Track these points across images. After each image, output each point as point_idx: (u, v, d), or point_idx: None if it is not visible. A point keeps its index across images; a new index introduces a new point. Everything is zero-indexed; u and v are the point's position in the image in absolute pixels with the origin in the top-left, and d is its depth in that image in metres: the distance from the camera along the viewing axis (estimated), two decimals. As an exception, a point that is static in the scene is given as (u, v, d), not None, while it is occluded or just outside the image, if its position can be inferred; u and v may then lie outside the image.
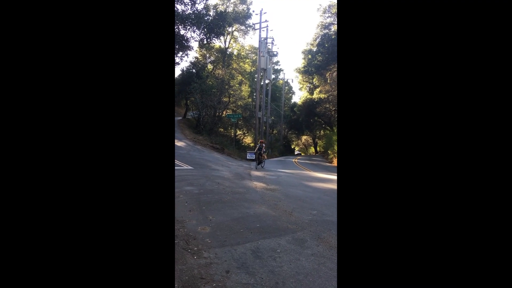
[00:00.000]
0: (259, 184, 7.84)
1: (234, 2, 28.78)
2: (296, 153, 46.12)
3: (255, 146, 12.88)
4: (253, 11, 29.07)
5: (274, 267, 2.82)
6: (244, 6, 28.72)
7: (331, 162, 21.26)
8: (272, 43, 26.35)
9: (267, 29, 24.52)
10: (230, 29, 28.53)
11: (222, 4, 27.44)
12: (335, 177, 11.43)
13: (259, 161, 12.56)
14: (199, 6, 20.17)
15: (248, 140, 30.91)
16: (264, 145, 13.07)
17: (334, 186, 8.54)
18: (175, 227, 3.83)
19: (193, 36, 22.82)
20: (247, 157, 16.28)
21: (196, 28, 16.72)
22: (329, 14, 28.62)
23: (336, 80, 22.07)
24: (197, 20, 16.02)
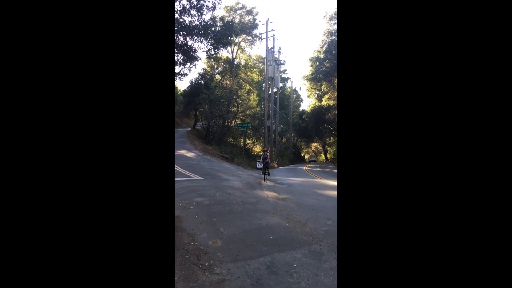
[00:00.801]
0: (270, 194, 7.66)
1: (241, 13, 29.18)
2: (310, 159, 45.22)
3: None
4: (259, 21, 29.41)
5: (291, 284, 2.63)
6: (250, 16, 29.07)
7: (342, 169, 20.80)
8: (279, 52, 26.40)
9: (273, 38, 24.59)
10: (237, 40, 28.83)
11: (229, 16, 27.82)
12: (348, 184, 11.11)
13: (265, 171, 11.15)
14: (206, 17, 20.49)
15: (257, 149, 30.79)
16: (268, 153, 11.84)
17: (348, 194, 8.26)
18: (186, 240, 3.69)
19: (200, 47, 23.14)
20: (257, 166, 16.08)
21: (204, 39, 16.88)
22: (335, 21, 28.65)
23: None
24: (204, 30, 16.19)
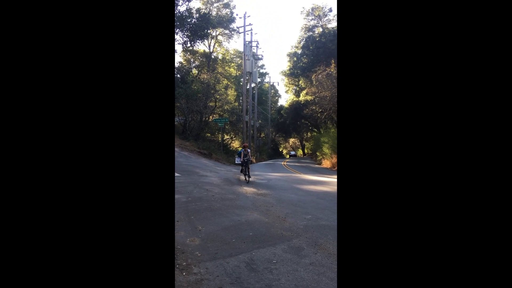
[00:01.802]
0: (249, 189, 7.61)
1: (217, 6, 28.61)
2: (290, 154, 45.74)
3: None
4: (237, 15, 28.89)
5: (271, 281, 2.59)
6: (227, 10, 28.59)
7: (320, 164, 21.27)
8: (257, 46, 26.22)
9: (251, 33, 24.30)
10: (214, 33, 28.29)
11: (205, 8, 27.17)
12: (326, 179, 11.34)
13: (246, 171, 9.26)
14: (181, 8, 19.82)
15: (236, 144, 30.66)
16: (249, 150, 9.92)
17: (326, 188, 8.41)
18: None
19: (176, 39, 22.24)
20: (236, 162, 15.95)
21: (179, 30, 16.35)
22: (313, 17, 28.96)
23: (321, 82, 22.20)
24: (180, 22, 15.68)
